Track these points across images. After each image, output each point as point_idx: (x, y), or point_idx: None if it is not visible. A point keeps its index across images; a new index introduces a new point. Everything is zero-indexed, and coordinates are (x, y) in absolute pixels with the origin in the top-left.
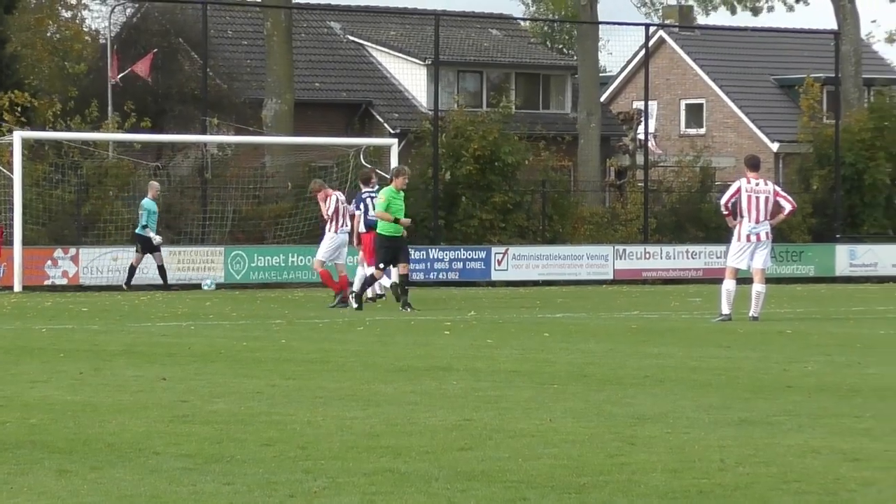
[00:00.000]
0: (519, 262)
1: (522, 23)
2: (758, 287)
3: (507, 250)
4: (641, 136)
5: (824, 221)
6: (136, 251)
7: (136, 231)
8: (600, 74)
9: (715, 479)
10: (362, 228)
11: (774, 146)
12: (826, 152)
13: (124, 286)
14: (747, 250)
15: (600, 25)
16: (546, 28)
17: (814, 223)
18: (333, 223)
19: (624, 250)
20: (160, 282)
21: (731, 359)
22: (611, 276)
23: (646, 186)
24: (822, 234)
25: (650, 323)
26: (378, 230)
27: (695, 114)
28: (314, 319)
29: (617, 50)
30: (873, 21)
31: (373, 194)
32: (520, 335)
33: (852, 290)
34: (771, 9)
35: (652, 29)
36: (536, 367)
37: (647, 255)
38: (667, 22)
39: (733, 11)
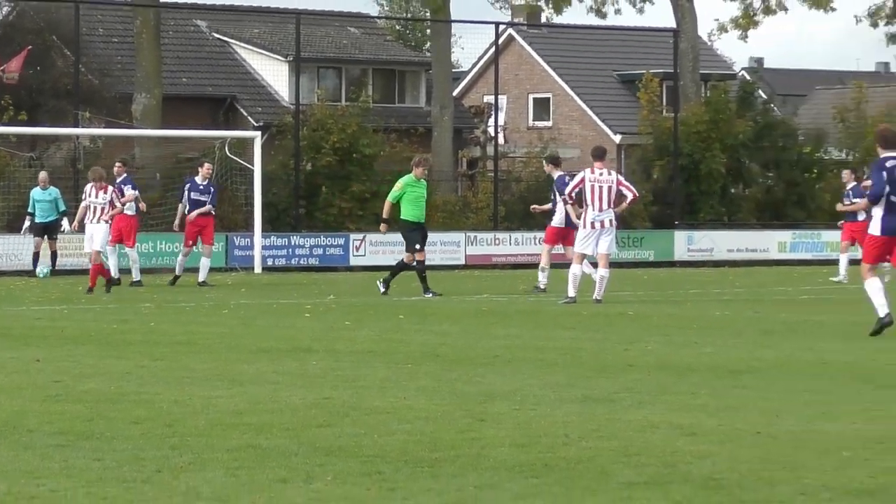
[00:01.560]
0: (376, 248)
1: (379, 21)
2: (602, 271)
3: (364, 237)
4: (492, 129)
5: (664, 209)
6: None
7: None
8: (453, 70)
9: (559, 453)
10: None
11: (617, 138)
12: (665, 144)
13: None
14: (593, 236)
15: (453, 23)
16: (401, 26)
17: (654, 211)
18: (101, 213)
19: (475, 237)
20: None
21: (575, 339)
22: (463, 262)
23: (496, 176)
24: (662, 221)
25: (499, 306)
26: (402, 217)
27: (542, 107)
28: (181, 303)
29: (469, 46)
30: (716, 20)
31: (200, 187)
32: (376, 317)
33: (690, 274)
34: (618, 11)
35: (501, 27)
36: (392, 348)
37: (497, 242)
38: (515, 20)
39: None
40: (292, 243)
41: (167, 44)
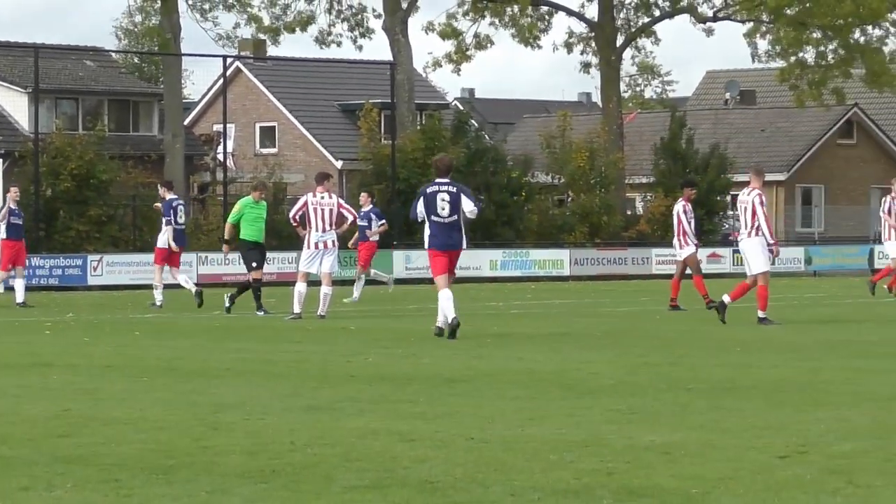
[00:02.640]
0: (112, 268)
1: (114, 55)
2: (325, 289)
3: (101, 258)
4: (221, 156)
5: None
6: None
7: None
8: (184, 101)
9: (286, 459)
10: None
11: (339, 163)
12: (384, 169)
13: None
14: (316, 256)
15: (184, 57)
16: (136, 60)
17: None
18: None
19: (206, 256)
20: None
21: (301, 352)
22: (195, 280)
23: (225, 200)
24: (382, 242)
25: (231, 321)
26: (241, 236)
27: (268, 135)
28: None
29: (199, 79)
30: (430, 53)
31: None
32: (114, 334)
33: (409, 291)
34: (339, 44)
35: (229, 60)
36: (129, 362)
37: (228, 262)
38: (242, 53)
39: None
40: (33, 264)
41: None
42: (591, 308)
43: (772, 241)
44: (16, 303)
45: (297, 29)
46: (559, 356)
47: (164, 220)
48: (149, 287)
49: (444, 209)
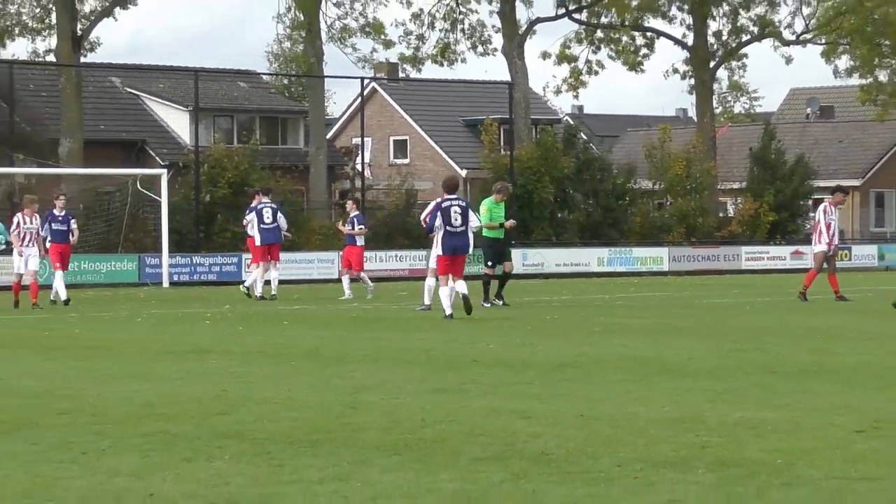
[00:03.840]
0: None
1: (265, 77)
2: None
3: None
4: (359, 166)
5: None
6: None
7: None
8: (326, 117)
9: (418, 435)
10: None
11: (463, 172)
12: (502, 177)
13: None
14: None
15: (326, 79)
16: (284, 81)
17: None
18: (34, 237)
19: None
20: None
21: (428, 341)
22: (336, 276)
23: (363, 205)
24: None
25: (366, 313)
26: (484, 234)
27: (401, 148)
28: (102, 314)
29: (340, 97)
30: (553, 76)
31: (59, 218)
32: (265, 324)
33: (524, 285)
34: (464, 60)
35: (366, 81)
36: (278, 350)
37: (365, 259)
38: (378, 76)
39: (441, 64)
40: (194, 262)
41: (87, 97)
42: (687, 300)
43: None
44: (61, 300)
45: (438, 56)
46: (659, 343)
47: (246, 223)
48: (296, 282)
49: (457, 220)
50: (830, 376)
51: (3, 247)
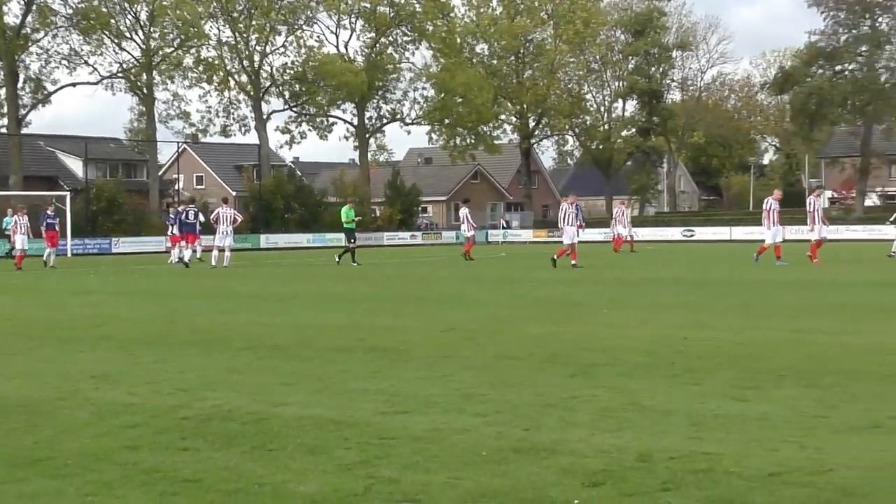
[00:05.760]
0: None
1: (124, 141)
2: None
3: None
4: (177, 188)
5: None
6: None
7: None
8: (159, 163)
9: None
10: None
11: (234, 193)
12: (255, 196)
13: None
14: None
15: (158, 142)
16: (136, 142)
17: None
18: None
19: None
20: None
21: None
22: (164, 249)
23: (177, 209)
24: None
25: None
26: (345, 226)
27: (199, 180)
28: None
29: (166, 152)
30: (279, 143)
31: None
32: (117, 273)
33: (266, 254)
34: (235, 133)
35: (180, 144)
36: (128, 288)
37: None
38: (187, 140)
39: (225, 135)
40: (85, 243)
41: (25, 151)
42: (372, 266)
43: None
44: (50, 265)
45: (220, 131)
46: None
47: (171, 223)
48: (138, 253)
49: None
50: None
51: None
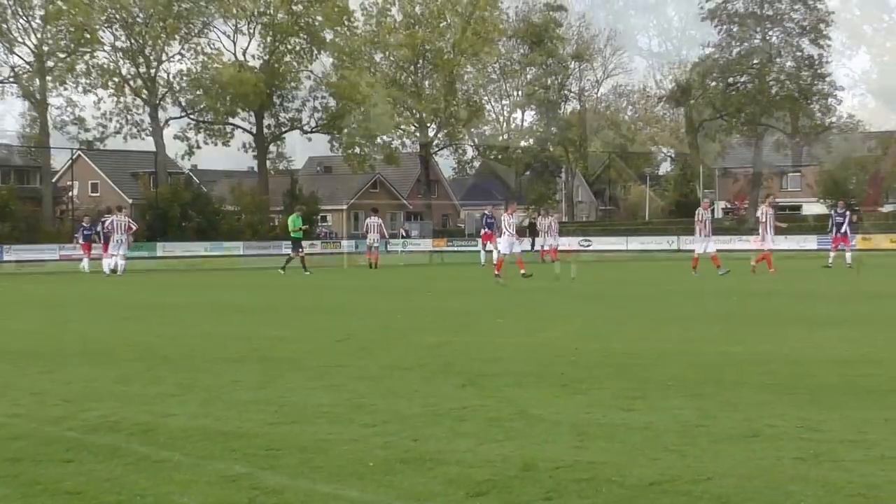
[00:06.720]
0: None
1: (16, 148)
2: None
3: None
4: (71, 195)
5: None
6: None
7: None
8: (52, 170)
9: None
10: None
11: (130, 201)
12: (152, 204)
13: None
14: None
15: (52, 149)
16: (30, 149)
17: None
18: None
19: None
20: None
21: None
22: (58, 258)
23: (72, 217)
24: None
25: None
26: (293, 235)
27: (94, 187)
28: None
29: (60, 159)
30: (186, 151)
31: None
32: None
33: (170, 263)
34: (133, 138)
35: (75, 151)
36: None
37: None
38: (82, 147)
39: (123, 139)
40: None
41: None
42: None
43: None
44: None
45: (115, 133)
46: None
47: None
48: (36, 261)
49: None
50: None
51: None
